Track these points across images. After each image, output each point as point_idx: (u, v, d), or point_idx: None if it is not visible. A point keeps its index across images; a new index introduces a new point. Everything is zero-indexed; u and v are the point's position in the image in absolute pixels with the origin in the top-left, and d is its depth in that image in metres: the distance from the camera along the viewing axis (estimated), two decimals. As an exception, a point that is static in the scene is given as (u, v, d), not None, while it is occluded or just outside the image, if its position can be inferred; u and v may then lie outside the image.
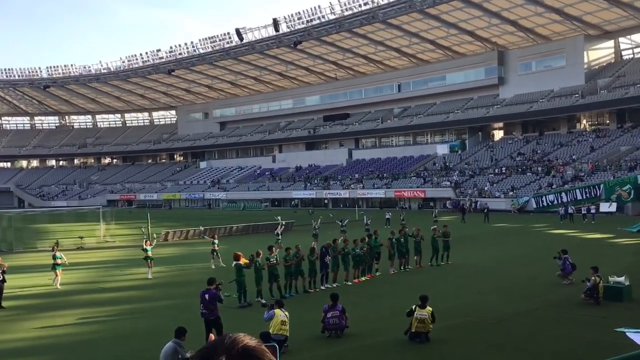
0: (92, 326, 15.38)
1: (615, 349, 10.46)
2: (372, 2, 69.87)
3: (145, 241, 24.73)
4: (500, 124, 77.24)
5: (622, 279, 16.53)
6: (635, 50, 69.62)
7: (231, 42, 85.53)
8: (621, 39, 70.08)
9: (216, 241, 26.83)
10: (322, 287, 19.29)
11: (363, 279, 21.05)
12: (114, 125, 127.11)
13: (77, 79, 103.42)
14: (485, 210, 48.16)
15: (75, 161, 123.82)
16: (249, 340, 1.34)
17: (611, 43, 70.44)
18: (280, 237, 29.97)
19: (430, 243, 24.02)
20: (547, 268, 20.36)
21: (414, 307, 12.83)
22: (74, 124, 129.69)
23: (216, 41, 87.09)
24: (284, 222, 33.71)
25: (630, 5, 60.39)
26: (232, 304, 16.27)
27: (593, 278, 15.90)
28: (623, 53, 70.87)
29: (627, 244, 29.51)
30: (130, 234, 41.66)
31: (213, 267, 24.91)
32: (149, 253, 23.46)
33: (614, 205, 47.54)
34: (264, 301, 16.70)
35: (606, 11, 62.74)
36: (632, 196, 46.79)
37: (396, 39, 77.51)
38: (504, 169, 65.01)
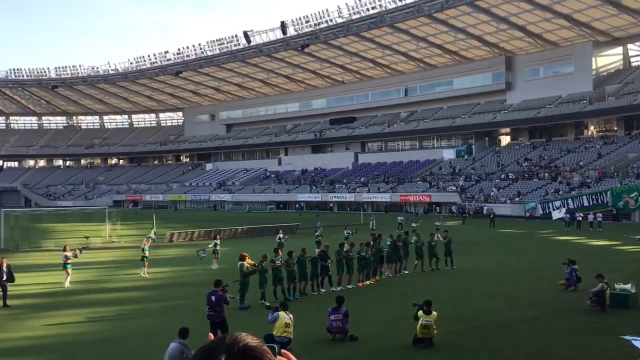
0: (97, 325, 15.40)
1: (620, 357, 10.38)
2: (380, 6, 69.91)
3: (146, 240, 25.07)
4: (507, 130, 77.06)
5: (628, 286, 16.43)
6: (644, 57, 69.33)
7: (239, 44, 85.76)
8: (630, 46, 69.84)
9: (218, 242, 26.95)
10: (322, 290, 19.24)
11: (367, 282, 21.00)
12: (121, 126, 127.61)
13: (85, 80, 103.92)
14: (492, 216, 48.03)
15: (82, 161, 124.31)
16: (251, 340, 1.35)
17: (620, 49, 70.19)
18: (283, 240, 29.93)
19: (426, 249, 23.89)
20: (554, 274, 20.26)
21: (419, 312, 12.78)
22: (82, 124, 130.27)
23: (224, 43, 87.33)
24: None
25: (639, 12, 60.16)
26: (237, 305, 16.28)
27: (601, 284, 15.80)
28: (632, 60, 70.60)
29: (632, 251, 29.33)
30: (135, 235, 41.74)
31: (215, 267, 24.98)
32: (147, 253, 23.67)
33: (563, 210, 47.09)
34: (267, 303, 16.68)
35: (615, 18, 62.54)
36: (639, 203, 46.55)
37: (404, 43, 77.51)
38: (510, 174, 64.81)
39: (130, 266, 25.56)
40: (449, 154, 77.11)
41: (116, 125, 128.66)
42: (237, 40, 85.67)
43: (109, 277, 24.17)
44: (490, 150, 75.15)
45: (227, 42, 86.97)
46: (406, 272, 23.15)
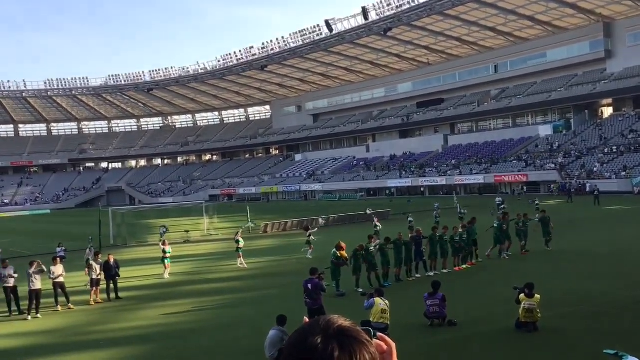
0: (199, 315, 15.99)
1: None
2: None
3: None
4: (609, 101, 72.25)
5: None
6: None
7: (321, 34, 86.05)
8: None
9: (313, 231, 27.25)
10: (417, 275, 18.95)
11: (464, 267, 20.45)
12: (213, 123, 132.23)
13: (177, 81, 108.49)
14: (596, 193, 45.37)
15: (179, 159, 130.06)
16: (344, 322, 1.36)
17: None
18: (379, 227, 29.84)
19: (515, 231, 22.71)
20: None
21: (520, 295, 12.22)
22: (176, 123, 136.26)
23: (306, 34, 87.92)
24: (370, 212, 33.55)
25: None
26: (333, 292, 16.34)
27: None
28: None
29: None
30: (231, 227, 43.10)
31: (310, 257, 25.18)
32: (240, 244, 24.19)
33: None
34: (361, 290, 16.63)
35: None
36: None
37: (491, 17, 74.50)
38: (614, 148, 60.84)
39: (229, 257, 26.37)
40: (545, 130, 73.50)
41: (208, 122, 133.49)
42: (319, 30, 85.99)
43: (209, 268, 25.09)
44: (592, 124, 70.85)
45: (310, 33, 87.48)
46: (509, 253, 22.16)
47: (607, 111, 73.81)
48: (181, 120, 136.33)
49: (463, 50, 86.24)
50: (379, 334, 1.42)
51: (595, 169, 58.06)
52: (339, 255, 17.41)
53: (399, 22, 77.25)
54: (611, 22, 70.49)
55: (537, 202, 37.90)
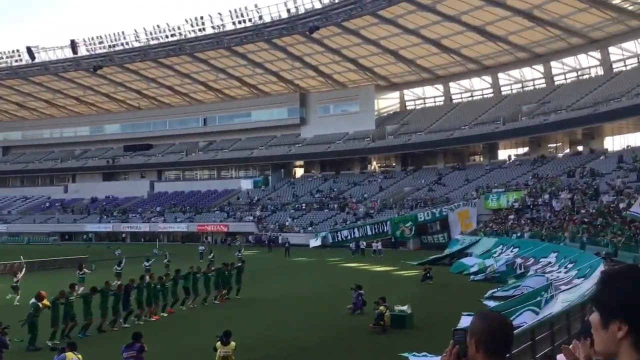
0: None
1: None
2: (180, 34, 69.53)
3: None
4: (301, 162, 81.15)
5: (405, 307, 18.35)
6: (418, 102, 78.64)
7: (21, 60, 78.32)
8: (405, 91, 78.71)
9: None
10: (126, 325, 18.40)
11: (162, 314, 20.57)
12: None
13: None
14: (287, 245, 49.86)
15: None
16: None
17: (397, 94, 78.73)
18: (84, 274, 27.21)
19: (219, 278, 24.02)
20: (342, 299, 21.74)
21: (217, 343, 12.82)
22: None
23: (2, 58, 79.03)
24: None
25: (412, 62, 68.34)
26: (19, 348, 14.64)
27: (380, 307, 17.42)
28: (407, 103, 79.53)
29: (409, 275, 32.75)
30: None
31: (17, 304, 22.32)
32: None
33: (319, 239, 55.54)
34: (54, 344, 15.35)
35: (393, 65, 70.21)
36: (413, 232, 52.11)
37: (203, 72, 77.76)
38: (304, 205, 68.17)
39: None
40: (246, 184, 78.54)
41: None
42: (19, 55, 78.21)
43: None
44: (286, 182, 78.32)
45: (7, 57, 78.88)
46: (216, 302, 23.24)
47: (299, 171, 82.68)
48: None
49: (175, 99, 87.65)
50: None
51: (287, 223, 64.01)
52: (40, 306, 15.95)
53: (111, 62, 75.07)
54: (306, 93, 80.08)
55: (241, 252, 39.60)
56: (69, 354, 11.56)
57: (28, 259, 35.43)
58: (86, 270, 27.60)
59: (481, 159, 68.37)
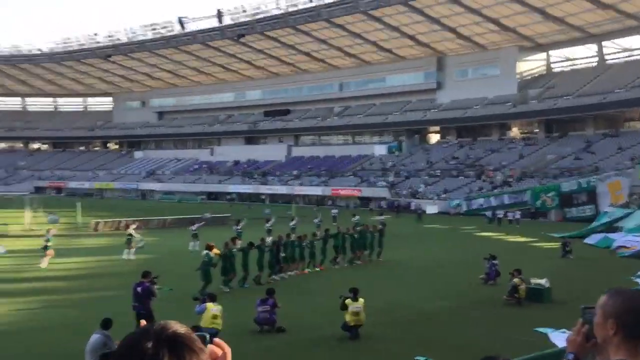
0: (14, 316, 14.82)
1: (532, 348, 11.06)
2: (317, 0, 70.21)
3: (49, 230, 24.45)
4: (437, 128, 79.31)
5: (543, 281, 17.42)
6: (565, 63, 73.01)
7: (173, 30, 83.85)
8: (552, 52, 73.31)
9: (132, 231, 26.12)
10: (276, 278, 19.87)
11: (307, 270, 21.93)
12: (46, 110, 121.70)
13: (8, 60, 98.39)
14: (419, 211, 49.35)
15: (1, 145, 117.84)
16: (179, 328, 1.34)
17: (543, 55, 73.57)
18: (240, 229, 29.15)
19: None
20: (475, 269, 21.16)
21: (345, 300, 13.05)
22: (0, 105, 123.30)
23: (157, 29, 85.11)
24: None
25: (562, 20, 63.29)
26: (166, 298, 16.05)
27: (515, 280, 16.70)
28: (553, 66, 74.17)
29: (548, 248, 30.99)
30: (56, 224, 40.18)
31: (125, 257, 24.59)
32: (49, 243, 22.92)
33: (436, 207, 54.26)
34: (197, 295, 16.59)
35: (540, 24, 65.50)
36: (555, 203, 49.10)
37: (339, 38, 78.13)
38: (438, 171, 66.79)
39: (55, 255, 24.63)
40: (380, 150, 78.51)
41: (41, 108, 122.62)
42: (171, 26, 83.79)
43: (28, 266, 23.22)
44: (420, 148, 77.13)
45: (161, 28, 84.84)
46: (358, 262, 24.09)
47: (434, 137, 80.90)
48: (6, 103, 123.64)
49: (312, 65, 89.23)
50: (215, 339, 1.45)
51: (420, 190, 63.22)
52: (212, 255, 17.45)
53: (253, 30, 77.92)
54: (443, 57, 77.55)
55: (356, 217, 39.30)
56: (210, 304, 12.43)
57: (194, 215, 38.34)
58: (243, 225, 29.73)
59: (638, 125, 62.23)
